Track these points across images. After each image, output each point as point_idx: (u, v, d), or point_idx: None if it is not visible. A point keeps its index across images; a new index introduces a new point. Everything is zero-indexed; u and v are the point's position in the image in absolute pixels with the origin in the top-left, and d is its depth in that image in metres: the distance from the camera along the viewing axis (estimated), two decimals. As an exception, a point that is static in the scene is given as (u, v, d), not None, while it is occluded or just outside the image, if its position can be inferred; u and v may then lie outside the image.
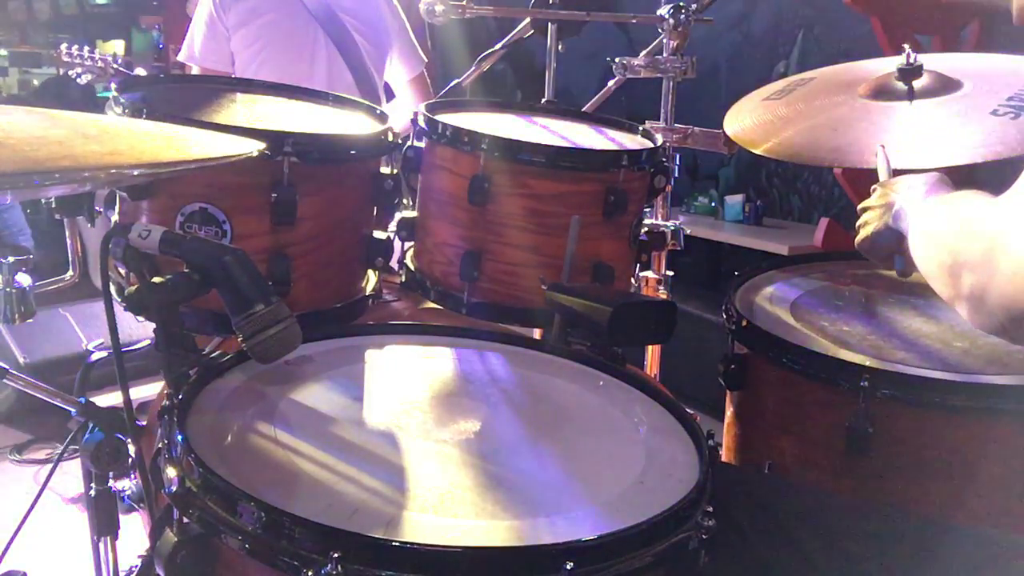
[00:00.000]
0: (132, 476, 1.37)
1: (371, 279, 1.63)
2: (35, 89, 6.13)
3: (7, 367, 1.33)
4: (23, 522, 1.38)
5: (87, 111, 1.12)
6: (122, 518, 1.40)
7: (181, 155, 1.01)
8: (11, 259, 1.32)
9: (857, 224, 1.33)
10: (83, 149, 0.89)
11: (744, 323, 1.53)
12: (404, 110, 2.53)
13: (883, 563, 1.10)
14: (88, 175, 0.88)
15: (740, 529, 1.09)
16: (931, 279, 0.97)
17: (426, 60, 2.89)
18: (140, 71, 3.18)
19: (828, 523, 1.16)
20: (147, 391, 2.28)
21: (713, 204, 4.69)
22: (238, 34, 2.57)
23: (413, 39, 2.84)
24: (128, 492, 1.42)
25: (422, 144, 1.59)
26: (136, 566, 1.14)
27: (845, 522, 1.17)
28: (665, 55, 1.96)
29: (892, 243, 1.25)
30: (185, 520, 0.91)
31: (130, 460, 1.31)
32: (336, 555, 0.80)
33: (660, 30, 1.96)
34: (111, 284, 1.21)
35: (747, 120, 1.68)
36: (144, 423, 1.34)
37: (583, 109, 2.05)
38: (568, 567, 0.81)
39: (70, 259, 1.45)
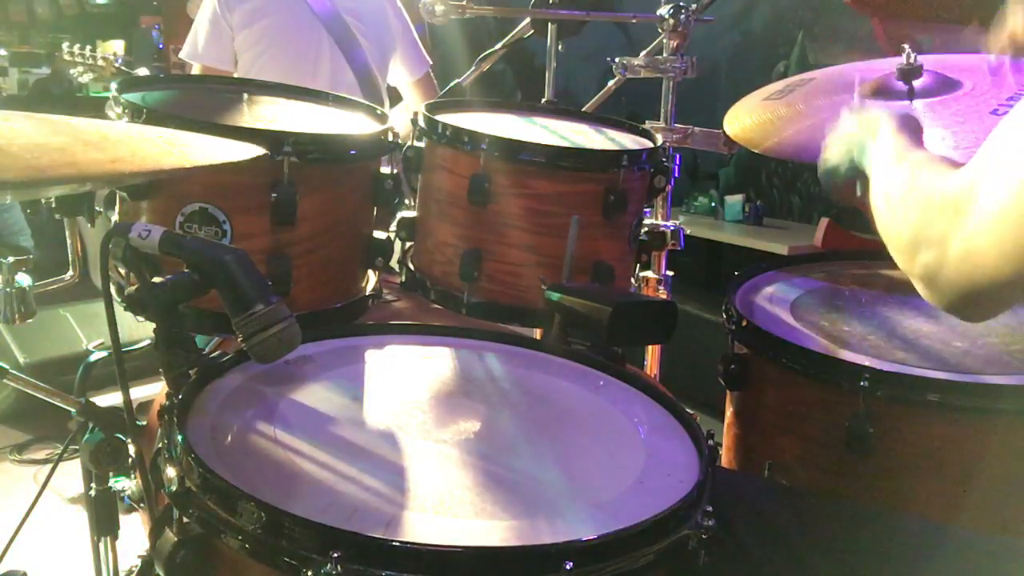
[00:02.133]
0: (132, 476, 1.38)
1: (371, 279, 1.63)
2: (29, 90, 6.14)
3: (7, 367, 1.34)
4: (23, 522, 1.38)
5: (68, 111, 1.11)
6: (122, 518, 1.40)
7: (182, 161, 1.01)
8: (11, 259, 1.32)
9: (823, 148, 1.30)
10: (84, 156, 0.89)
11: (744, 323, 1.53)
12: (409, 113, 2.55)
13: (880, 569, 1.10)
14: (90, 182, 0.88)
15: (736, 535, 1.09)
16: (890, 248, 0.98)
17: (431, 62, 2.88)
18: (143, 71, 3.18)
19: (825, 529, 1.16)
20: (147, 391, 2.28)
21: (713, 204, 4.69)
22: (241, 34, 2.57)
23: (417, 40, 2.84)
24: (128, 492, 1.42)
25: (422, 144, 1.59)
26: (136, 566, 1.14)
27: (842, 527, 1.16)
28: (665, 55, 1.96)
29: (853, 176, 1.23)
30: (185, 520, 0.91)
31: (130, 460, 1.31)
32: (336, 555, 0.80)
33: (660, 30, 1.96)
34: (111, 284, 1.21)
35: (747, 120, 1.68)
36: (144, 423, 1.34)
37: (583, 109, 2.05)
38: (568, 567, 0.81)
39: (70, 259, 1.45)
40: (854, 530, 1.15)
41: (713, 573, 0.94)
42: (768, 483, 1.44)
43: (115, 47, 6.03)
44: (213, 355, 1.19)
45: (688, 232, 1.95)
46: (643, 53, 2.05)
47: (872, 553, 1.11)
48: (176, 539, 0.90)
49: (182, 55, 2.68)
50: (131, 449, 1.30)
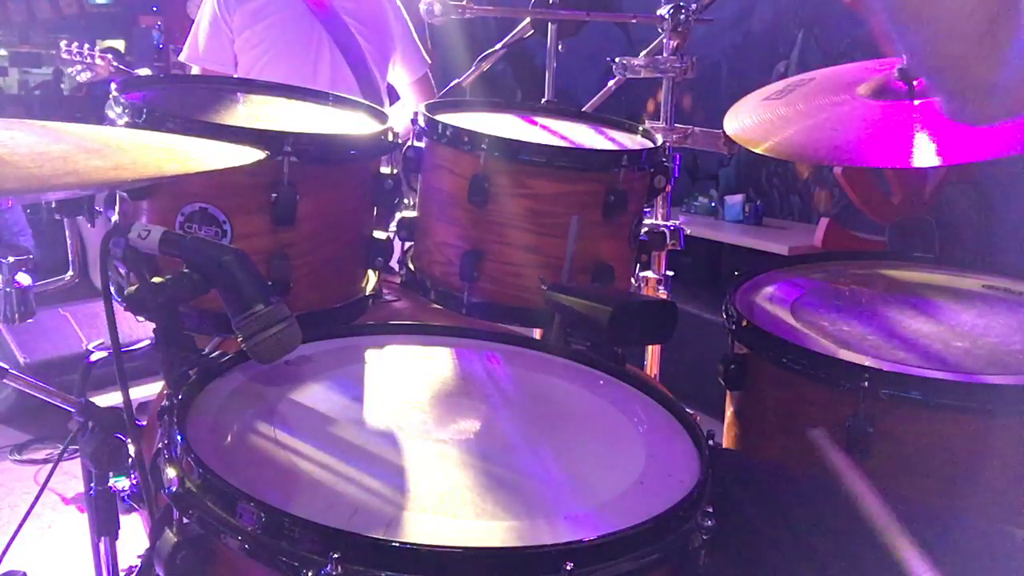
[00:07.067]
0: (132, 476, 1.37)
1: (371, 279, 1.63)
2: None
3: (7, 367, 1.34)
4: (23, 522, 1.38)
5: (52, 113, 1.12)
6: (122, 518, 1.40)
7: (183, 167, 1.01)
8: (11, 259, 1.32)
9: None
10: (86, 164, 0.89)
11: (744, 323, 1.53)
12: (407, 112, 2.54)
13: (884, 557, 1.09)
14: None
15: (743, 517, 1.08)
16: None
17: (429, 62, 2.89)
18: (146, 71, 3.18)
19: (831, 514, 1.15)
20: (147, 391, 2.28)
21: (713, 204, 4.69)
22: (242, 36, 2.57)
23: (417, 41, 2.84)
24: (128, 492, 1.42)
25: (422, 144, 1.59)
26: (136, 566, 1.13)
27: (848, 513, 1.15)
28: (665, 55, 1.96)
29: None
30: (185, 520, 0.91)
31: (130, 460, 1.31)
32: (336, 555, 0.80)
33: (660, 30, 1.96)
34: (111, 284, 1.21)
35: (747, 120, 1.68)
36: (144, 423, 1.34)
37: (583, 109, 2.05)
38: (568, 567, 0.81)
39: (70, 259, 1.45)
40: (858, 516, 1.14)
41: (716, 570, 0.94)
42: (775, 467, 1.42)
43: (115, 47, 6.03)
44: (213, 355, 1.19)
45: (688, 232, 1.95)
46: (643, 53, 2.05)
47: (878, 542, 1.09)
48: (176, 539, 0.90)
49: (182, 58, 2.68)
50: (131, 449, 1.30)
